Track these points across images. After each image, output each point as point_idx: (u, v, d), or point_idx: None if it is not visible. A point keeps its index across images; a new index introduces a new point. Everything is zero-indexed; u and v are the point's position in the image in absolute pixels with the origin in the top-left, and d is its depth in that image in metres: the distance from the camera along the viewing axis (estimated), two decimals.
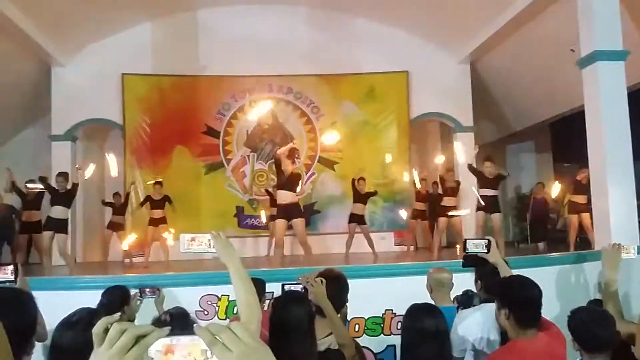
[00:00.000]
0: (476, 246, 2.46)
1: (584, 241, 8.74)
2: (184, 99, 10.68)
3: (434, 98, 11.13)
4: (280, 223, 6.97)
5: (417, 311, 2.35)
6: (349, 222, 9.27)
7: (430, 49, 11.16)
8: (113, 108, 10.52)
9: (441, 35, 10.81)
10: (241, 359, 0.76)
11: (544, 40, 9.12)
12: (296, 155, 7.56)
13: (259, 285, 2.96)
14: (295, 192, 7.15)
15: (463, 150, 9.39)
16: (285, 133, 11.06)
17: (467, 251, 2.49)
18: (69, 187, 7.40)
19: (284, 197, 7.00)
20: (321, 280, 2.51)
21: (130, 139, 10.56)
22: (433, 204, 9.82)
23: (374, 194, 9.48)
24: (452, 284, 3.22)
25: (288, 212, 6.95)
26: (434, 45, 11.15)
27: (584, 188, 8.29)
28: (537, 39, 9.26)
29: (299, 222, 7.00)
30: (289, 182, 7.02)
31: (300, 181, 7.43)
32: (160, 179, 9.47)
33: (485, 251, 2.45)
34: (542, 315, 2.30)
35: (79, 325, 1.78)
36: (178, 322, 2.18)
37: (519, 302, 2.23)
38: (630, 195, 6.42)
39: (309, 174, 11.03)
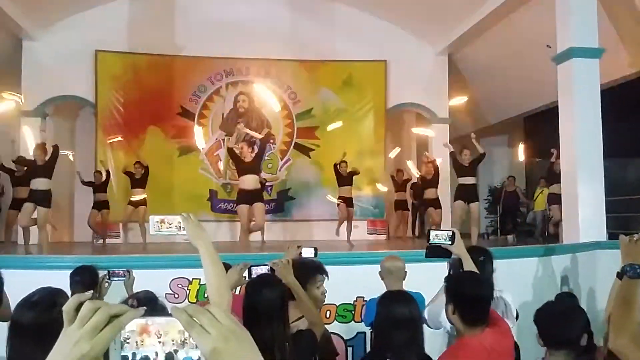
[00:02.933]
0: (439, 237, 2.43)
1: (549, 235, 8.90)
2: (159, 79, 10.48)
3: (410, 88, 11.16)
4: (244, 208, 7.01)
5: (390, 298, 2.34)
6: (339, 204, 9.14)
7: (409, 39, 11.17)
8: (85, 85, 10.26)
9: (420, 26, 10.83)
10: (219, 340, 0.74)
11: (521, 35, 9.21)
12: (253, 140, 7.56)
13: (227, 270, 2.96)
14: (258, 174, 7.22)
15: (436, 139, 9.40)
16: (261, 117, 10.97)
17: (430, 242, 2.47)
18: (47, 158, 7.16)
19: (248, 182, 7.02)
20: (287, 262, 2.50)
21: (103, 118, 10.32)
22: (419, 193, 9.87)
23: (357, 173, 9.32)
24: (405, 272, 3.26)
25: (250, 197, 6.99)
26: (413, 35, 11.16)
27: (559, 177, 8.38)
28: (514, 34, 9.34)
29: (259, 206, 7.04)
30: (252, 165, 7.06)
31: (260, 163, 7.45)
32: (140, 160, 9.24)
33: (449, 243, 2.42)
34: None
35: (40, 305, 1.73)
36: (146, 306, 2.13)
37: (465, 300, 2.17)
38: (599, 191, 6.57)
39: (285, 159, 10.98)
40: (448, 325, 2.54)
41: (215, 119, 10.84)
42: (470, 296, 2.18)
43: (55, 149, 7.10)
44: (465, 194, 7.96)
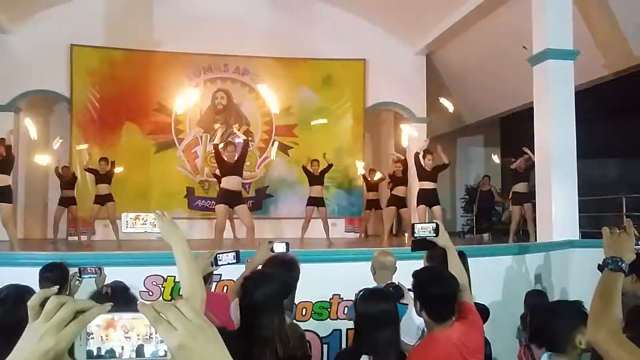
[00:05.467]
0: (424, 230, 2.45)
1: (525, 232, 9.02)
2: (135, 74, 10.35)
3: (389, 88, 11.22)
4: (221, 208, 6.98)
5: (371, 296, 2.36)
6: (307, 205, 9.10)
7: (388, 38, 11.22)
8: (60, 80, 10.09)
9: (399, 26, 10.89)
10: (186, 337, 0.74)
11: (498, 37, 9.31)
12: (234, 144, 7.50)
13: None
14: (241, 176, 7.19)
15: (411, 138, 9.42)
16: (240, 115, 10.92)
17: (415, 235, 2.49)
18: (4, 153, 7.02)
19: (231, 183, 6.99)
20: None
21: (78, 113, 10.15)
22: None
23: (330, 166, 9.18)
24: (396, 267, 3.29)
25: (230, 198, 6.99)
26: (392, 35, 11.22)
27: (522, 177, 8.49)
28: (491, 35, 9.45)
29: (243, 208, 7.10)
30: (236, 167, 7.03)
31: (243, 165, 7.41)
32: (105, 157, 9.06)
33: (434, 235, 2.45)
34: (485, 303, 2.32)
35: (7, 302, 1.70)
36: (119, 296, 2.12)
37: (430, 298, 2.22)
38: (573, 191, 6.67)
39: (263, 157, 10.95)
40: (419, 321, 2.56)
41: (193, 116, 10.74)
42: (435, 293, 2.22)
43: (9, 149, 6.99)
44: (426, 198, 8.06)
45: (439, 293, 2.22)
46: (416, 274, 2.36)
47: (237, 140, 7.73)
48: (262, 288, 2.11)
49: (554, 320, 2.13)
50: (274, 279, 2.23)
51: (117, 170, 9.00)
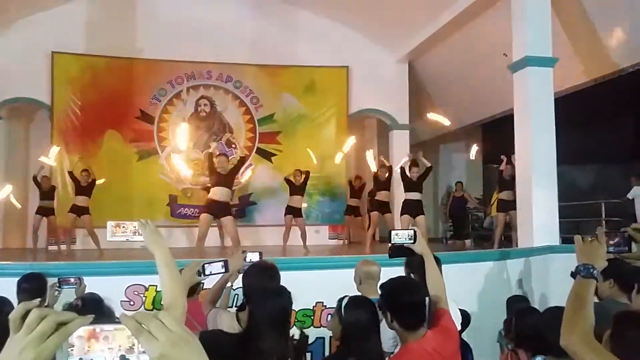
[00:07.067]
0: (400, 237, 2.46)
1: (507, 239, 9.10)
2: (117, 82, 10.28)
3: (372, 95, 11.28)
4: (206, 217, 7.01)
5: (357, 304, 2.36)
6: (285, 214, 9.12)
7: (371, 46, 11.29)
8: (41, 87, 9.98)
9: (381, 33, 10.96)
10: (168, 347, 0.75)
11: (479, 44, 9.42)
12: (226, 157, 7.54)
13: None
14: (231, 189, 7.21)
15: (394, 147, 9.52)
16: (223, 122, 10.89)
17: (392, 242, 2.49)
18: None
19: (219, 194, 7.01)
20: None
21: (59, 121, 10.04)
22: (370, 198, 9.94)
23: (307, 174, 9.11)
24: (380, 276, 3.27)
25: (216, 209, 7.02)
26: (374, 42, 11.29)
27: (508, 184, 8.58)
28: (472, 43, 9.55)
29: (228, 220, 7.15)
30: (227, 179, 7.07)
31: (234, 178, 7.45)
32: (87, 168, 8.94)
33: (411, 241, 2.45)
34: (461, 308, 2.31)
35: None
36: (91, 308, 2.08)
37: (399, 307, 2.20)
38: (553, 197, 6.76)
39: (246, 164, 10.91)
40: (394, 333, 2.57)
41: (176, 123, 10.68)
42: (404, 302, 2.21)
43: None
44: (411, 209, 8.16)
45: (408, 300, 2.21)
46: (383, 285, 2.35)
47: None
48: (269, 304, 2.17)
49: (549, 326, 2.14)
50: (284, 293, 2.28)
51: (99, 182, 8.89)
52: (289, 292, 2.33)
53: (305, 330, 4.23)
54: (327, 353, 4.14)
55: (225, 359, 1.75)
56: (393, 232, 2.49)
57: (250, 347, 2.05)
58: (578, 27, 8.03)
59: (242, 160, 7.47)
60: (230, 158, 10.27)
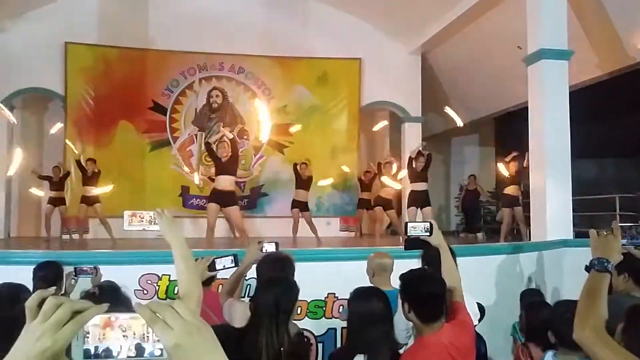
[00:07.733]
0: (416, 229, 2.45)
1: (517, 232, 9.05)
2: (130, 72, 10.32)
3: (384, 87, 11.23)
4: (213, 207, 7.02)
5: (363, 294, 2.36)
6: (292, 208, 9.10)
7: (383, 37, 11.24)
8: (54, 78, 10.03)
9: (394, 25, 10.89)
10: (182, 336, 0.76)
11: (493, 36, 9.33)
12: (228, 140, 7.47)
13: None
14: (235, 175, 7.19)
15: (411, 141, 9.47)
16: (235, 113, 10.91)
17: (408, 234, 2.49)
18: None
19: (223, 183, 7.00)
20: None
21: (72, 111, 10.11)
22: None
23: (311, 179, 9.16)
24: (393, 269, 3.26)
25: (222, 198, 7.00)
26: (387, 34, 11.23)
27: (514, 179, 8.53)
28: (486, 35, 9.47)
29: (232, 210, 7.09)
30: (228, 165, 7.04)
31: (237, 164, 7.42)
32: (93, 157, 9.02)
33: (427, 234, 2.44)
34: (480, 302, 2.31)
35: (2, 300, 1.70)
36: (108, 296, 2.10)
37: (418, 298, 2.21)
38: (566, 191, 6.70)
39: (258, 156, 10.95)
40: (407, 325, 2.56)
41: (188, 114, 10.73)
42: (424, 294, 2.22)
43: None
44: (417, 200, 8.13)
45: (427, 292, 2.22)
46: (403, 276, 2.36)
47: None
48: (274, 292, 2.15)
49: (561, 319, 2.12)
50: (293, 285, 2.28)
51: (106, 189, 8.88)
52: (291, 283, 2.31)
53: (317, 321, 4.27)
54: (338, 344, 4.16)
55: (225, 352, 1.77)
56: (409, 225, 2.47)
57: (245, 340, 2.05)
58: (593, 19, 7.94)
59: (233, 143, 7.29)
60: (241, 149, 10.41)
